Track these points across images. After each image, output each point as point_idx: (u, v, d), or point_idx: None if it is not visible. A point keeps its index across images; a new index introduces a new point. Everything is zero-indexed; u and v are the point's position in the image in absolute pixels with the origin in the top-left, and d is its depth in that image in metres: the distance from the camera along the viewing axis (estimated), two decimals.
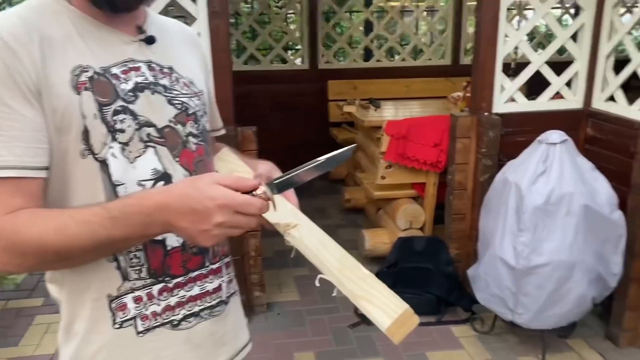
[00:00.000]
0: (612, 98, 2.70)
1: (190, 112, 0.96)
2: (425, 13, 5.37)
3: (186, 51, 1.04)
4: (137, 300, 0.90)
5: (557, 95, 2.87)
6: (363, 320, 2.79)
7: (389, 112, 3.90)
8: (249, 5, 5.34)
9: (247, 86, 4.67)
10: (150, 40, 0.93)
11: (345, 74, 5.00)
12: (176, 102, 0.94)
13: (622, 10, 4.39)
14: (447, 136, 2.95)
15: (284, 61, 5.26)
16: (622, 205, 2.39)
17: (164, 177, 0.90)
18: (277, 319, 2.88)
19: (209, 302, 0.99)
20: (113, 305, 0.89)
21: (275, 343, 2.67)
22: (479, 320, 2.78)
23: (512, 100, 2.81)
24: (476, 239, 2.65)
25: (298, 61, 5.24)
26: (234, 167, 1.07)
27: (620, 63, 2.67)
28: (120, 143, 0.85)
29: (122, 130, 0.86)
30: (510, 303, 2.32)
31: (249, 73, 4.86)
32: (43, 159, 0.81)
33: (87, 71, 0.84)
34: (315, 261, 0.86)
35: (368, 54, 5.26)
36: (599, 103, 2.77)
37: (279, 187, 0.82)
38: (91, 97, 0.83)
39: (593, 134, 2.79)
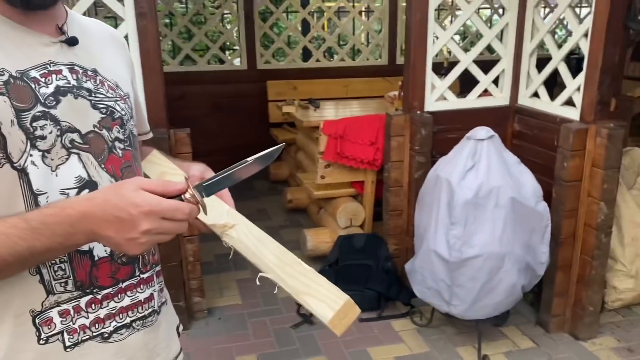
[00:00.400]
0: (537, 94, 2.83)
1: (116, 117, 0.93)
2: (362, 14, 5.44)
3: (111, 53, 1.01)
4: (64, 314, 0.86)
5: (486, 93, 2.98)
6: (305, 320, 2.79)
7: (329, 112, 3.93)
8: (183, 6, 5.24)
9: (183, 87, 4.58)
10: (72, 42, 0.90)
11: (284, 74, 4.99)
12: (101, 106, 0.91)
13: (546, 10, 4.62)
14: (383, 135, 3.00)
15: (222, 62, 5.19)
16: (548, 197, 2.51)
17: (89, 184, 0.86)
18: (219, 323, 2.84)
19: (141, 313, 0.96)
20: (37, 320, 0.84)
21: (216, 348, 2.63)
22: (418, 313, 2.85)
23: (444, 98, 2.89)
24: (413, 234, 2.71)
25: (237, 61, 5.19)
26: (165, 169, 1.04)
27: (545, 61, 2.80)
28: (40, 150, 0.81)
29: (42, 137, 0.81)
30: (445, 295, 2.39)
31: (185, 74, 4.77)
32: None
33: (1, 75, 0.79)
34: (255, 260, 0.85)
35: (307, 54, 5.29)
36: (525, 99, 2.90)
37: (208, 190, 0.81)
38: (7, 102, 0.78)
39: (519, 129, 2.92)
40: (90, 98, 0.89)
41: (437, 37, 2.78)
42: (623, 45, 3.02)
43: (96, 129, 0.89)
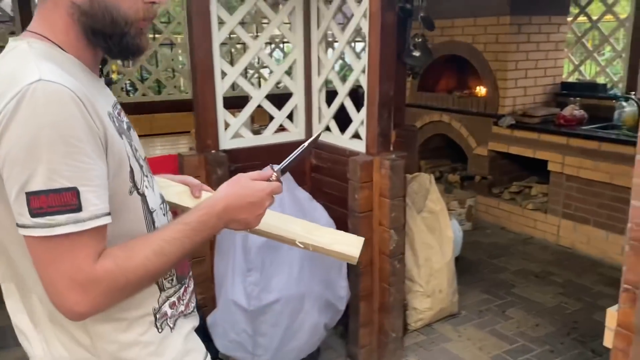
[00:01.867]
0: (329, 128, 2.88)
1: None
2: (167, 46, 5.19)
3: None
4: (172, 305, 1.05)
5: (283, 128, 2.95)
6: None
7: None
8: None
9: None
10: (110, 83, 0.91)
11: None
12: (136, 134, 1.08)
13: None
14: None
15: None
16: (345, 228, 2.52)
17: (163, 199, 1.08)
18: None
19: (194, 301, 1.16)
20: (157, 315, 1.02)
21: None
22: None
23: (240, 135, 2.79)
24: None
25: None
26: (174, 188, 1.21)
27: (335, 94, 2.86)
28: (147, 177, 1.00)
29: (142, 166, 1.00)
30: (249, 346, 2.24)
31: None
32: (108, 204, 0.86)
33: (113, 116, 0.93)
34: (286, 234, 1.12)
35: None
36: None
37: (284, 172, 1.07)
38: (126, 140, 0.94)
39: (317, 163, 2.94)
40: (133, 130, 1.04)
41: (225, 73, 2.68)
42: (402, 79, 3.24)
43: (145, 158, 1.05)
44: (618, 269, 4.07)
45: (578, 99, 4.59)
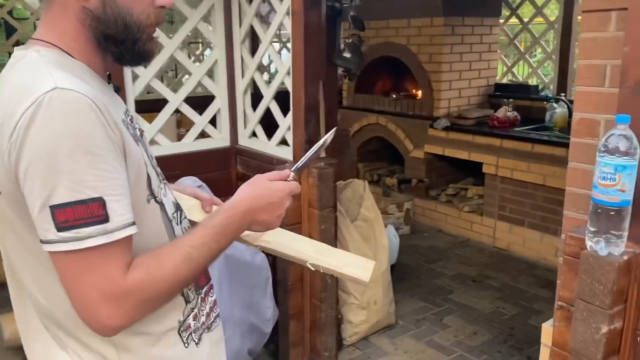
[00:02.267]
0: (255, 134, 2.69)
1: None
2: None
3: None
4: (195, 317, 1.03)
5: (206, 134, 2.74)
6: None
7: None
8: None
9: None
10: (118, 90, 1.01)
11: None
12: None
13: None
14: None
15: None
16: None
17: (178, 207, 1.05)
18: None
19: (217, 311, 1.14)
20: (181, 328, 1.00)
21: None
22: None
23: (156, 143, 2.56)
24: None
25: None
26: (185, 202, 1.15)
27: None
28: (163, 184, 1.00)
29: (159, 173, 0.99)
30: None
31: None
32: (132, 214, 0.83)
33: (127, 124, 0.90)
34: (297, 254, 1.12)
35: None
36: (244, 140, 2.73)
37: (300, 171, 1.09)
38: (142, 147, 0.92)
39: (243, 171, 2.74)
40: (144, 136, 1.01)
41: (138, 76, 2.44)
42: (333, 81, 3.09)
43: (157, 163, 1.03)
44: (552, 270, 4.13)
45: (511, 100, 4.61)
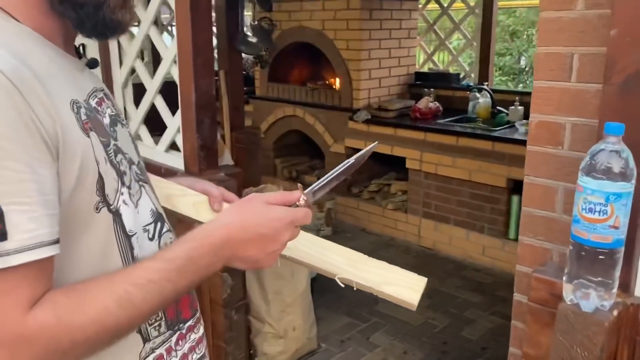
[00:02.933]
0: (140, 137, 2.19)
1: (135, 143, 0.89)
2: None
3: None
4: (159, 359, 0.81)
5: None
6: None
7: None
8: None
9: None
10: (93, 65, 0.83)
11: None
12: (128, 132, 0.87)
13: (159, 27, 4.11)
14: None
15: None
16: None
17: (158, 217, 0.85)
18: None
19: (201, 352, 0.91)
20: None
21: None
22: None
23: None
24: None
25: None
26: (170, 191, 0.97)
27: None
28: (127, 187, 0.77)
29: (125, 173, 0.78)
30: None
31: None
32: (57, 228, 0.64)
33: (80, 107, 0.71)
34: (324, 265, 0.87)
35: None
36: None
37: (317, 195, 0.83)
38: (97, 138, 0.72)
39: None
40: (125, 125, 0.86)
41: None
42: (237, 71, 2.64)
43: (139, 158, 0.87)
44: (480, 270, 3.95)
45: (432, 90, 4.37)
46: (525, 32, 8.57)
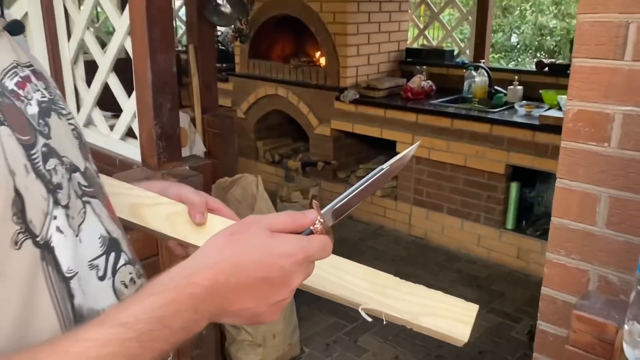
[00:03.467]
0: (94, 121, 1.89)
1: (84, 140, 0.64)
2: None
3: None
4: None
5: None
6: None
7: None
8: None
9: None
10: (17, 29, 0.58)
11: None
12: (72, 125, 0.62)
13: None
14: None
15: None
16: None
17: (113, 245, 0.61)
18: None
19: None
20: None
21: None
22: None
23: None
24: None
25: None
26: (136, 199, 0.74)
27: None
28: (62, 207, 0.54)
29: (59, 186, 0.54)
30: None
31: None
32: None
33: None
34: (342, 292, 0.66)
35: None
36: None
37: (338, 213, 0.60)
38: (12, 135, 0.50)
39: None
40: (66, 116, 0.61)
41: None
42: (209, 45, 2.33)
43: (88, 163, 0.62)
44: (475, 262, 3.72)
45: (424, 67, 4.09)
46: (519, 8, 8.26)
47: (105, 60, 1.72)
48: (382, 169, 0.63)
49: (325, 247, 0.57)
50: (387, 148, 3.93)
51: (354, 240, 3.70)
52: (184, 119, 2.27)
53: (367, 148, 4.30)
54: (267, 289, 0.54)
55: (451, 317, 0.64)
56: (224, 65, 4.87)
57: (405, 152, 0.63)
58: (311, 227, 0.58)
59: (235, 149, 2.44)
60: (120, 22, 1.61)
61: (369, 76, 4.08)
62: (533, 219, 3.40)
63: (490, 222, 3.37)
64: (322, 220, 0.58)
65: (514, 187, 3.25)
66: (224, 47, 5.04)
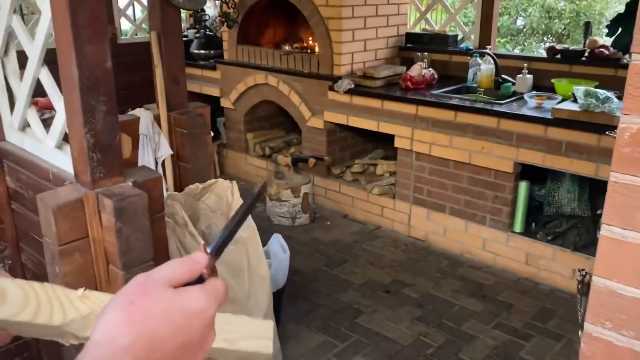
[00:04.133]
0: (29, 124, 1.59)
1: None
2: None
3: None
4: None
5: None
6: None
7: None
8: None
9: None
10: None
11: None
12: None
13: None
14: None
15: None
16: None
17: None
18: None
19: None
20: None
21: None
22: None
23: None
24: None
25: None
26: None
27: None
28: None
29: None
30: None
31: None
32: None
33: None
34: None
35: None
36: (13, 133, 1.62)
37: (219, 253, 0.55)
38: None
39: (15, 188, 1.64)
40: None
41: None
42: (175, 30, 2.02)
43: None
44: (480, 268, 3.41)
45: (426, 54, 3.76)
46: None
47: (34, 50, 1.42)
48: (242, 209, 0.57)
49: (226, 291, 0.52)
50: (385, 140, 3.63)
51: (348, 242, 3.41)
52: (145, 116, 1.97)
53: (363, 142, 4.00)
54: (187, 355, 0.48)
55: (256, 336, 0.63)
56: (212, 52, 4.56)
57: (258, 191, 0.58)
58: (203, 272, 0.52)
59: (209, 151, 2.14)
60: (44, 4, 1.31)
61: (366, 64, 3.76)
62: (543, 221, 3.10)
63: (496, 225, 3.08)
64: (208, 261, 0.53)
65: (522, 186, 2.95)
66: (211, 33, 4.71)
